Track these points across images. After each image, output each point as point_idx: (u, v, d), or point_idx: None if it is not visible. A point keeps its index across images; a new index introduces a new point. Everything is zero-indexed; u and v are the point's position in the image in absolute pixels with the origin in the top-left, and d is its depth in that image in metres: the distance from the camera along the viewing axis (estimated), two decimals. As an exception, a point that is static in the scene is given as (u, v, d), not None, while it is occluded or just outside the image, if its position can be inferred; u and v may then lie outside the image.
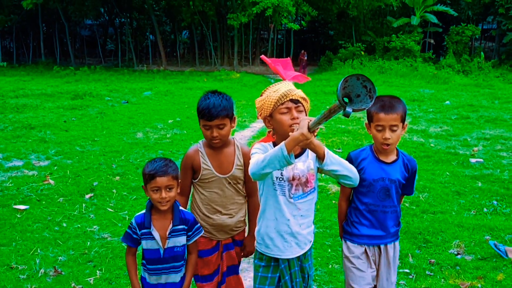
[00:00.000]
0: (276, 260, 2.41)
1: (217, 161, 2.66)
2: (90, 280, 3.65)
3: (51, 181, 6.12)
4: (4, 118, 11.12)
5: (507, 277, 3.62)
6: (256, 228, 2.48)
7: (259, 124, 11.56)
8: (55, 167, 6.85)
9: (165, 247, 2.49)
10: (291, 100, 2.26)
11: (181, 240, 2.53)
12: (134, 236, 2.48)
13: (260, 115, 2.39)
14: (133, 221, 2.50)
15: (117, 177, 6.39)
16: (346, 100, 1.78)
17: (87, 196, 5.61)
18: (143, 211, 2.52)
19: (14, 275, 3.69)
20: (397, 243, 2.73)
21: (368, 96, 1.77)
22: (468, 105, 13.85)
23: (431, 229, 4.61)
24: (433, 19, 29.04)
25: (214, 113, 2.51)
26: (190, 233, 2.55)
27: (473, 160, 7.31)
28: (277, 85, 2.36)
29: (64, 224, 4.75)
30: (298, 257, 2.43)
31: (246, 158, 2.65)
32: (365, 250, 2.64)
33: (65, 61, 33.74)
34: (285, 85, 2.33)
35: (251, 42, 32.91)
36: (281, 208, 2.33)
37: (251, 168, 2.17)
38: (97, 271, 3.79)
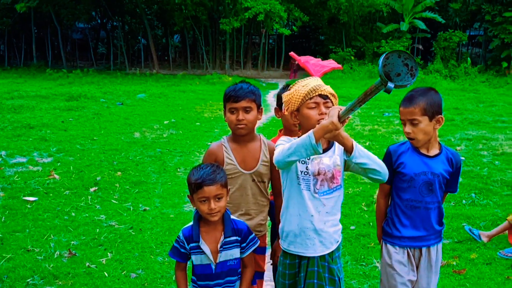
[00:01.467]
0: (300, 257, 2.32)
1: (241, 156, 2.57)
2: (102, 260, 3.99)
3: (56, 176, 6.43)
4: (3, 118, 11.36)
5: (479, 256, 4.05)
6: (280, 225, 2.39)
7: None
8: (58, 164, 7.16)
9: (217, 261, 2.31)
10: (320, 95, 2.22)
11: (235, 253, 2.34)
12: (182, 250, 2.32)
13: (287, 109, 2.32)
14: (180, 234, 2.33)
15: (119, 173, 6.71)
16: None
17: (91, 190, 5.93)
18: (191, 223, 2.35)
19: (32, 256, 4.02)
20: (440, 245, 2.59)
21: (410, 74, 1.68)
22: (454, 108, 14.35)
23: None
24: (421, 25, 29.66)
25: (242, 93, 2.48)
26: (244, 245, 2.35)
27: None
28: (306, 80, 2.31)
29: (73, 214, 5.08)
30: (324, 257, 2.31)
31: (272, 154, 2.46)
32: (408, 253, 2.51)
33: (57, 64, 33.80)
34: (314, 80, 2.29)
35: (243, 47, 33.31)
36: (305, 204, 2.24)
37: (276, 156, 2.12)
38: (108, 253, 4.13)
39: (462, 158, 7.75)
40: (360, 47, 31.80)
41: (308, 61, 2.77)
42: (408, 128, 2.37)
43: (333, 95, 2.27)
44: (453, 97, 18.06)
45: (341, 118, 1.92)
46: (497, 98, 17.75)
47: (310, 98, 2.21)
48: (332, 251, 2.34)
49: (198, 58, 34.82)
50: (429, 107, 2.34)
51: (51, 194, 5.70)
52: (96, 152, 8.02)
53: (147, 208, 5.34)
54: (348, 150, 2.12)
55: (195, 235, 2.29)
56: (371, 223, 4.78)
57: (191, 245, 2.29)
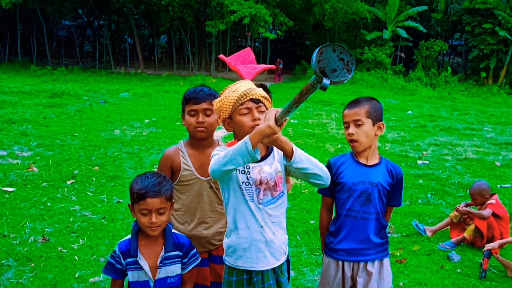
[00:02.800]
0: (249, 272, 2.19)
1: (199, 161, 2.47)
2: (74, 246, 4.26)
3: (35, 169, 6.66)
4: (-15, 112, 11.50)
5: (421, 248, 4.44)
6: (225, 240, 2.24)
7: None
8: (38, 157, 7.38)
9: (156, 278, 2.16)
10: (252, 100, 2.10)
11: (175, 269, 2.20)
12: (118, 266, 2.14)
13: (219, 117, 2.20)
14: (116, 248, 2.15)
15: (96, 167, 6.96)
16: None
17: (68, 182, 6.17)
18: (128, 236, 2.18)
19: (7, 241, 4.27)
20: (385, 261, 2.49)
21: (346, 69, 1.59)
22: (428, 115, 14.85)
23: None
24: (403, 33, 30.31)
25: (202, 95, 2.42)
26: (185, 260, 2.23)
27: (420, 162, 8.15)
28: (236, 84, 2.19)
29: (49, 204, 5.33)
30: (274, 270, 2.22)
31: None
32: (342, 267, 2.47)
33: (42, 61, 33.76)
34: (244, 84, 2.16)
35: (229, 49, 33.64)
36: (253, 214, 2.12)
37: (211, 165, 1.98)
38: (80, 240, 4.40)
39: (426, 162, 8.17)
40: (344, 53, 32.37)
41: (239, 63, 2.57)
42: (352, 130, 2.36)
43: (265, 98, 2.16)
44: (430, 104, 18.60)
45: (278, 121, 1.82)
46: (472, 106, 18.33)
47: (242, 104, 2.09)
48: (281, 263, 2.25)
49: (183, 59, 35.07)
50: (373, 111, 2.36)
51: (29, 186, 5.94)
52: (75, 147, 8.25)
53: (121, 200, 5.60)
54: (287, 155, 2.01)
55: (133, 249, 2.12)
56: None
57: (128, 260, 2.12)
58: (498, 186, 6.75)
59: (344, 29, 34.30)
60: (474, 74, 31.29)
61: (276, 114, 1.82)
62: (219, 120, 2.23)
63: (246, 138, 1.86)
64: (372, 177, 2.40)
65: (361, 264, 2.45)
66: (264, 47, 35.50)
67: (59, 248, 4.18)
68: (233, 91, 2.13)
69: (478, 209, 4.60)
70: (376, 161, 2.45)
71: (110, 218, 4.99)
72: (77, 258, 4.03)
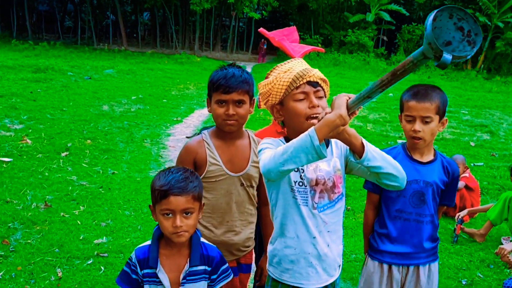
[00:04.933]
0: None
1: (227, 155, 2.15)
2: (75, 212, 4.51)
3: (29, 141, 6.82)
4: (-30, 86, 11.47)
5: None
6: (269, 248, 1.94)
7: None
8: (30, 130, 7.52)
9: None
10: (309, 83, 1.77)
11: (200, 286, 1.87)
12: (134, 276, 1.83)
13: (265, 103, 1.87)
14: (133, 255, 1.84)
15: (89, 141, 7.14)
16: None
17: (63, 154, 6.36)
18: (148, 241, 1.86)
19: (11, 206, 4.49)
20: (433, 265, 2.31)
21: (466, 41, 1.22)
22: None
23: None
24: (386, 17, 30.64)
25: (234, 83, 2.04)
26: (214, 277, 1.90)
27: (399, 141, 8.53)
28: (287, 63, 1.86)
29: (46, 174, 5.53)
30: (326, 287, 1.91)
31: None
32: (389, 270, 2.28)
33: (22, 36, 33.13)
34: (298, 64, 1.84)
35: (213, 28, 33.53)
36: (306, 223, 1.80)
37: (266, 164, 1.64)
38: (81, 207, 4.64)
39: (405, 141, 8.55)
40: (328, 35, 32.61)
41: (285, 38, 2.50)
42: (419, 126, 2.11)
43: (324, 81, 1.83)
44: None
45: (350, 110, 1.50)
46: (450, 90, 18.84)
47: (297, 87, 1.77)
48: (335, 279, 1.94)
49: (167, 37, 34.81)
50: (442, 107, 2.13)
51: (24, 157, 6.11)
52: (66, 121, 8.39)
53: (115, 171, 5.83)
54: (356, 151, 1.65)
55: (152, 258, 1.80)
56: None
57: (146, 271, 1.81)
58: (472, 164, 7.18)
59: (328, 11, 34.45)
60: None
61: (347, 100, 1.50)
62: (266, 106, 1.89)
63: (311, 130, 1.51)
64: (427, 175, 2.19)
65: (411, 268, 2.26)
66: (249, 27, 35.43)
67: (62, 214, 4.42)
68: (285, 72, 1.79)
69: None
70: (431, 157, 2.23)
71: (107, 188, 5.23)
72: (79, 223, 4.28)
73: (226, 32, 36.53)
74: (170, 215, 1.76)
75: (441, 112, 2.14)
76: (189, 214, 1.78)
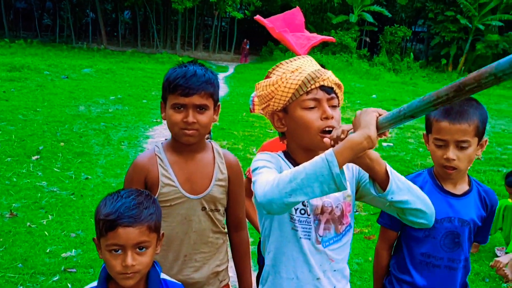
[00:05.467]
0: None
1: (186, 173, 1.75)
2: (43, 221, 4.19)
3: (-3, 144, 6.45)
4: None
5: (388, 225, 4.60)
6: None
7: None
8: (0, 132, 7.14)
9: None
10: (322, 88, 1.43)
11: None
12: None
13: (263, 108, 1.54)
14: None
15: (62, 143, 6.80)
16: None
17: (33, 158, 6.01)
18: (93, 284, 1.52)
19: (-28, 216, 4.15)
20: None
21: None
22: (392, 99, 15.22)
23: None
24: (369, 18, 30.72)
25: (196, 84, 1.65)
26: None
27: (384, 144, 8.38)
28: (295, 61, 1.51)
29: (14, 179, 5.18)
30: None
31: (232, 170, 1.83)
32: None
33: (-2, 33, 32.35)
34: (309, 63, 1.50)
35: (195, 28, 33.16)
36: (307, 260, 1.48)
37: (266, 192, 1.28)
38: (49, 216, 4.32)
39: (390, 144, 8.42)
40: (310, 36, 32.55)
41: (287, 30, 1.77)
42: (453, 153, 1.68)
43: (339, 86, 1.49)
44: (393, 89, 19.04)
45: (380, 130, 1.21)
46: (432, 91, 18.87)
47: (307, 92, 1.43)
48: None
49: (148, 36, 34.32)
50: (481, 126, 1.69)
51: (-9, 161, 5.76)
52: (39, 123, 8.01)
53: (89, 176, 5.51)
54: (378, 180, 1.32)
55: None
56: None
57: None
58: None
59: (312, 12, 34.38)
60: (435, 61, 32.16)
61: (378, 117, 1.20)
62: (263, 112, 1.55)
63: (329, 154, 1.19)
64: (463, 212, 1.76)
65: None
66: (231, 27, 35.17)
67: (28, 224, 4.10)
68: (293, 72, 1.45)
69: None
70: (466, 187, 1.81)
71: (79, 194, 4.91)
72: (47, 234, 3.96)
73: (208, 32, 36.19)
74: (119, 251, 1.39)
75: (480, 133, 1.70)
76: (144, 249, 1.42)
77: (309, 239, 1.47)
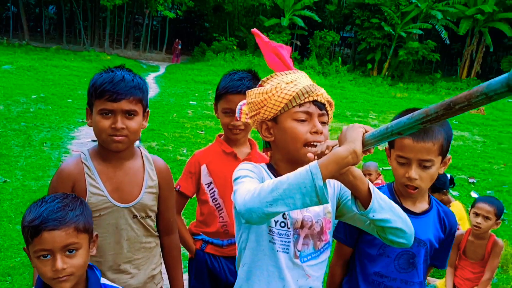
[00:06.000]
0: None
1: (114, 181, 1.71)
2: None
3: None
4: None
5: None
6: None
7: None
8: None
9: None
10: (315, 103, 1.45)
11: None
12: None
13: (253, 116, 1.53)
14: None
15: (-23, 145, 6.38)
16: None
17: None
18: None
19: None
20: None
21: None
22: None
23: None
24: (300, 22, 31.44)
25: (123, 88, 1.62)
26: None
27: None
28: (290, 74, 1.51)
29: None
30: None
31: (162, 176, 1.81)
32: None
33: None
34: (303, 77, 1.51)
35: (125, 26, 32.29)
36: (282, 275, 1.46)
37: (247, 201, 1.26)
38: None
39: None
40: (243, 38, 32.74)
41: (282, 46, 1.64)
42: (416, 173, 1.62)
43: (330, 104, 1.51)
44: (322, 92, 19.65)
45: (366, 147, 1.21)
46: (359, 95, 19.69)
47: (300, 105, 1.44)
48: None
49: (75, 33, 33.01)
50: (446, 144, 1.64)
51: None
52: (-50, 122, 7.47)
53: (7, 180, 5.21)
54: (360, 198, 1.32)
55: None
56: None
57: None
58: (381, 168, 7.40)
59: (244, 14, 34.66)
60: (362, 65, 33.54)
61: (364, 134, 1.22)
62: (251, 119, 1.54)
63: (314, 166, 1.19)
64: (420, 231, 1.67)
65: None
66: (163, 26, 34.62)
67: None
68: (288, 83, 1.46)
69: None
70: (425, 206, 1.75)
71: (-4, 199, 4.63)
72: (-42, 241, 3.71)
73: (138, 30, 35.40)
74: (48, 256, 1.36)
75: (444, 152, 1.64)
76: (74, 251, 1.39)
77: (287, 253, 1.45)
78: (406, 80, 30.35)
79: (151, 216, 1.79)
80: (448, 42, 30.19)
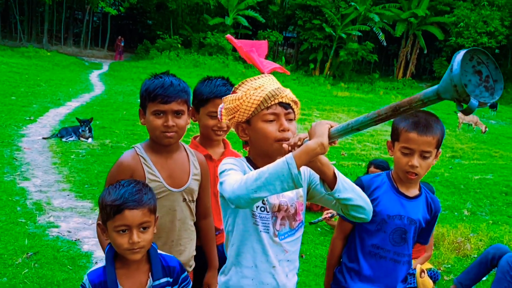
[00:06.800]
0: None
1: (167, 170, 2.01)
2: None
3: None
4: None
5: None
6: (222, 279, 1.81)
7: (74, 103, 11.71)
8: None
9: None
10: (280, 104, 1.67)
11: None
12: None
13: (230, 119, 1.75)
14: (85, 281, 1.70)
15: None
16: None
17: None
18: (100, 264, 1.73)
19: None
20: None
21: (484, 87, 1.15)
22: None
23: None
24: (244, 22, 31.84)
25: (173, 92, 1.93)
26: (176, 287, 1.82)
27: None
28: (257, 79, 1.74)
29: None
30: None
31: (203, 166, 2.12)
32: None
33: None
34: (270, 81, 1.73)
35: (64, 21, 31.29)
36: (266, 251, 1.71)
37: (235, 189, 1.51)
38: None
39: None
40: (187, 36, 32.68)
41: (254, 50, 2.19)
42: (417, 161, 1.92)
43: (295, 103, 1.73)
44: (267, 90, 20.10)
45: (331, 139, 1.46)
46: (302, 94, 20.31)
47: (267, 108, 1.66)
48: None
49: (10, 28, 31.53)
50: (441, 139, 1.95)
51: None
52: None
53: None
54: (327, 181, 1.58)
55: (111, 281, 1.66)
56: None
57: None
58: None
59: (188, 12, 34.55)
60: (304, 65, 34.45)
61: (329, 128, 1.46)
62: (229, 122, 1.77)
63: (289, 157, 1.43)
64: (412, 212, 2.01)
65: None
66: (104, 23, 33.84)
67: None
68: (256, 89, 1.68)
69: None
70: (417, 192, 2.06)
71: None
72: None
73: (78, 26, 34.36)
74: (126, 231, 1.63)
75: (439, 145, 1.96)
76: (146, 228, 1.67)
77: (268, 232, 1.70)
78: (347, 79, 31.56)
79: (195, 200, 2.10)
80: (385, 43, 31.75)
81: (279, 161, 1.45)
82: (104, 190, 1.70)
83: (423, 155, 1.92)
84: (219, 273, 1.85)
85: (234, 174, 1.59)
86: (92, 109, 10.70)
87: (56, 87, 13.80)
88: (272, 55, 34.24)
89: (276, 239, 1.71)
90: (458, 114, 15.61)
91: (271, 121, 1.66)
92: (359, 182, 2.04)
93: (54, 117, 9.56)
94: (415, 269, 3.62)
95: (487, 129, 14.85)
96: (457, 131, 14.71)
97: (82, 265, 3.59)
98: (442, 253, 4.49)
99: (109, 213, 1.63)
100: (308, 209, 5.31)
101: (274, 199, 1.71)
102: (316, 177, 1.66)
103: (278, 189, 1.46)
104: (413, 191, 2.04)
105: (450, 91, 1.13)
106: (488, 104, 1.16)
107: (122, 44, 30.06)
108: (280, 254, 1.73)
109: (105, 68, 23.74)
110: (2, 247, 3.71)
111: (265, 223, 1.69)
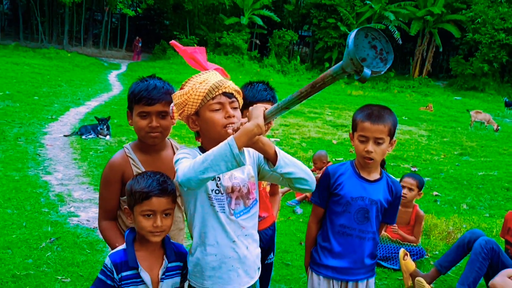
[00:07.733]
0: None
1: (154, 168, 2.07)
2: (-49, 212, 4.32)
3: None
4: None
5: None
6: (190, 258, 1.96)
7: (94, 103, 12.20)
8: None
9: None
10: (224, 94, 1.85)
11: (176, 282, 1.99)
12: (109, 282, 1.86)
13: (180, 114, 1.92)
14: (107, 261, 1.88)
15: (-46, 140, 6.68)
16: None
17: None
18: (121, 246, 1.94)
19: None
20: (372, 281, 2.39)
21: (379, 58, 1.39)
22: (280, 99, 16.38)
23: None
24: (259, 21, 32.14)
25: (156, 95, 2.05)
26: (185, 271, 2.00)
27: (272, 139, 9.32)
28: (202, 75, 1.91)
29: None
30: None
31: None
32: (332, 285, 2.33)
33: None
34: (213, 75, 1.90)
35: (83, 22, 32.04)
36: (225, 228, 1.88)
37: (185, 173, 1.67)
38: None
39: (277, 139, 9.37)
40: (203, 36, 33.13)
41: (197, 51, 2.30)
42: (372, 147, 2.19)
43: (238, 93, 1.91)
44: (282, 90, 20.17)
45: (267, 120, 1.64)
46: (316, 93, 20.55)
47: (213, 98, 1.83)
48: (255, 282, 2.03)
49: (31, 29, 32.41)
50: (393, 128, 2.22)
51: None
52: None
53: (-12, 173, 5.61)
54: (270, 159, 1.74)
55: (132, 260, 1.86)
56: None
57: (125, 273, 1.87)
58: (334, 159, 8.18)
59: (204, 12, 35.01)
60: (319, 64, 34.56)
61: (264, 111, 1.64)
62: (180, 116, 1.94)
63: (230, 139, 1.61)
64: (373, 193, 2.28)
65: (350, 283, 2.33)
66: (122, 24, 34.51)
67: None
68: (201, 83, 1.85)
69: (317, 173, 5.75)
70: (377, 176, 2.32)
71: (-17, 188, 5.05)
72: (-43, 223, 4.13)
73: (97, 27, 35.11)
74: (151, 216, 1.84)
75: (391, 134, 2.21)
76: (168, 215, 1.88)
77: (224, 212, 1.86)
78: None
79: (180, 195, 2.21)
80: (400, 42, 31.66)
81: (222, 144, 1.62)
82: (131, 180, 1.91)
83: (377, 142, 2.18)
84: (188, 254, 2.01)
85: (186, 161, 1.74)
86: (110, 108, 11.16)
87: (76, 87, 14.34)
88: (288, 54, 34.48)
89: (232, 217, 1.88)
90: (470, 113, 15.71)
91: (217, 110, 1.83)
92: (325, 171, 2.36)
93: (74, 116, 10.04)
94: (398, 252, 3.93)
95: (499, 127, 14.89)
96: (469, 129, 14.79)
97: (99, 249, 3.95)
98: (431, 241, 4.75)
99: (137, 198, 1.83)
100: (310, 201, 5.63)
101: (227, 182, 1.87)
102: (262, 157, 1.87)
103: (223, 168, 1.63)
104: (374, 175, 2.31)
105: (350, 64, 1.34)
106: (382, 72, 1.39)
107: (140, 44, 30.66)
108: (237, 230, 1.90)
109: (123, 68, 24.31)
110: (28, 233, 4.10)
111: (221, 204, 1.86)
